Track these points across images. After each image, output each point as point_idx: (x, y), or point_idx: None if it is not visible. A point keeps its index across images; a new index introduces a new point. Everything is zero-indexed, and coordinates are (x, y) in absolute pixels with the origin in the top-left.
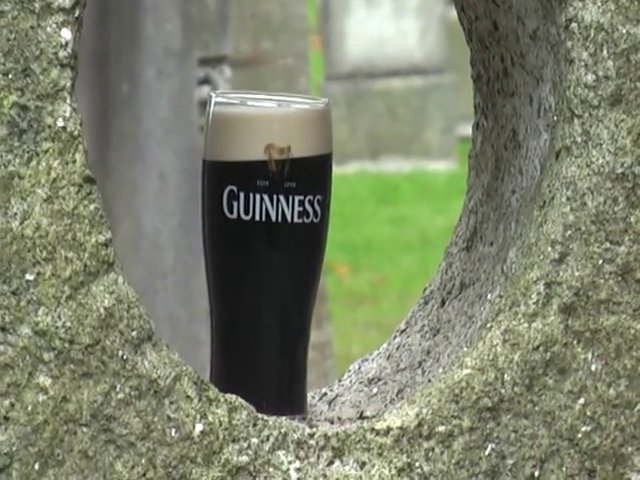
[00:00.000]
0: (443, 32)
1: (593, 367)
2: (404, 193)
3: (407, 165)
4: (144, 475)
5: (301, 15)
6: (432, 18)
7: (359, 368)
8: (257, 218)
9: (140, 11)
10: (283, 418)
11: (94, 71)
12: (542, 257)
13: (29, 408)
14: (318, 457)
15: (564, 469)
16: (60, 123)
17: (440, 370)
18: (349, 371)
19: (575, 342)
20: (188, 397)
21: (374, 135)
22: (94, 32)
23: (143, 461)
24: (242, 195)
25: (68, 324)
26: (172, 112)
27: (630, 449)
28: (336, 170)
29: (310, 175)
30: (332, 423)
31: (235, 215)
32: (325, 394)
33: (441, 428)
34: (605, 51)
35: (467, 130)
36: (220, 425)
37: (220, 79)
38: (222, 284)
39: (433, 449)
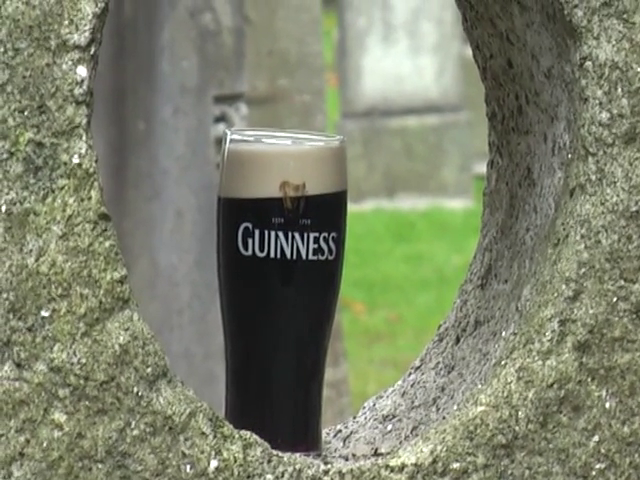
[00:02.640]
0: (459, 70)
1: (607, 405)
2: (420, 231)
3: (423, 203)
4: None
5: (318, 52)
6: (449, 56)
7: (374, 405)
8: (272, 255)
9: (156, 48)
10: (298, 454)
11: (110, 109)
12: (556, 295)
13: (44, 444)
14: None
15: None
16: (76, 160)
17: (454, 407)
18: (364, 408)
19: (589, 380)
20: (203, 434)
21: (390, 173)
22: (110, 69)
23: None
24: (257, 232)
25: (83, 361)
26: (188, 149)
27: None
28: (352, 207)
29: (325, 212)
30: (347, 460)
31: (250, 252)
32: (340, 431)
33: (455, 465)
34: (619, 89)
35: (483, 168)
36: (235, 462)
37: (236, 116)
38: (237, 321)
39: None
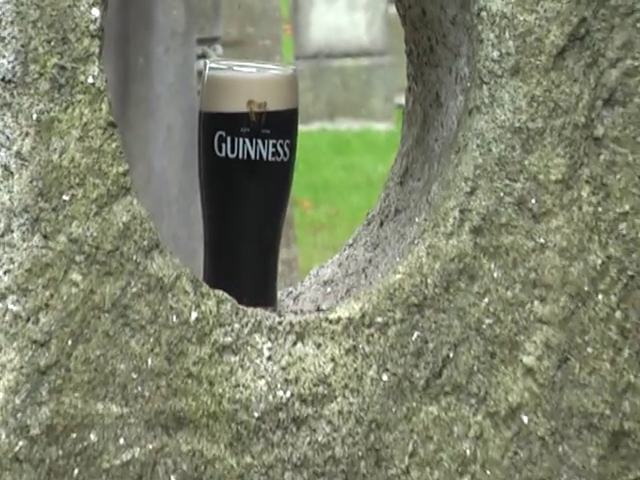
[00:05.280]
0: (385, 24)
1: (495, 274)
2: (354, 146)
3: (357, 125)
4: (152, 350)
5: (276, 7)
6: (377, 13)
7: (317, 273)
8: (240, 157)
9: (153, 1)
10: (259, 309)
11: (117, 48)
12: (457, 190)
13: (64, 298)
14: (285, 339)
15: (472, 352)
16: (90, 80)
17: (379, 275)
18: (309, 275)
19: (482, 255)
20: (186, 292)
21: (331, 102)
22: (117, 17)
23: (151, 340)
24: (229, 139)
25: (95, 234)
26: (177, 79)
27: (522, 337)
28: (302, 128)
29: (281, 124)
30: (296, 314)
31: (223, 154)
32: (291, 292)
33: (379, 319)
34: (507, 33)
35: (403, 99)
36: (210, 313)
37: (213, 55)
38: (213, 209)
39: (373, 335)
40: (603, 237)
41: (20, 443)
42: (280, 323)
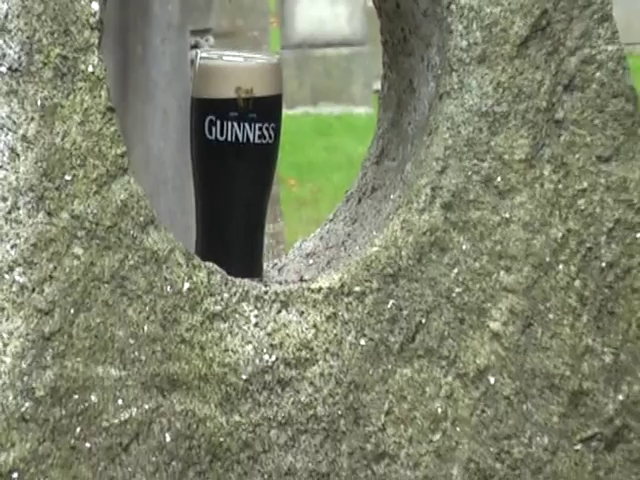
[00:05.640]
0: (364, 16)
1: (464, 247)
2: (335, 129)
3: (338, 109)
4: (148, 318)
5: (264, 1)
6: (357, 6)
7: (300, 246)
8: (229, 139)
9: None
10: (246, 280)
11: (117, 38)
12: (429, 169)
13: (67, 270)
14: (270, 307)
15: (443, 318)
16: (90, 69)
17: (357, 248)
18: (293, 248)
19: (452, 229)
20: (179, 264)
21: (315, 88)
22: (118, 10)
23: (147, 308)
24: (218, 122)
25: (95, 211)
26: (172, 68)
27: (489, 305)
28: (287, 112)
29: (267, 109)
30: (280, 284)
31: (213, 137)
32: (276, 264)
33: (357, 288)
34: (474, 25)
35: (380, 85)
36: (202, 284)
37: (206, 45)
38: (204, 187)
39: (351, 303)
40: (563, 212)
41: (26, 404)
42: (266, 292)
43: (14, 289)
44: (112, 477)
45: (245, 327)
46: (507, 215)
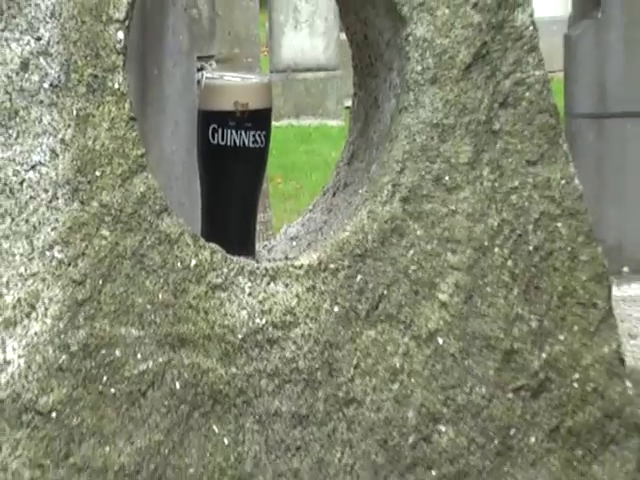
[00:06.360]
0: (337, 47)
1: (418, 233)
2: (314, 137)
3: (316, 122)
4: (162, 288)
5: (256, 35)
6: (332, 39)
7: (285, 231)
8: (229, 144)
9: (164, 28)
10: (242, 258)
11: (138, 61)
12: (390, 169)
13: (96, 248)
14: (261, 280)
15: (401, 290)
16: (116, 86)
17: (332, 233)
18: (279, 233)
19: (408, 218)
20: (187, 244)
21: (297, 104)
22: (138, 38)
23: (161, 280)
24: (220, 130)
25: (119, 201)
26: (182, 86)
27: (438, 280)
28: (275, 123)
29: (259, 119)
30: (269, 262)
31: (216, 142)
32: (266, 245)
33: (332, 265)
34: (428, 53)
35: (350, 102)
36: (206, 261)
37: (209, 68)
38: (208, 184)
39: (327, 277)
40: (499, 205)
41: (63, 357)
42: (258, 268)
43: (53, 264)
44: (132, 417)
45: (241, 296)
46: (453, 207)
